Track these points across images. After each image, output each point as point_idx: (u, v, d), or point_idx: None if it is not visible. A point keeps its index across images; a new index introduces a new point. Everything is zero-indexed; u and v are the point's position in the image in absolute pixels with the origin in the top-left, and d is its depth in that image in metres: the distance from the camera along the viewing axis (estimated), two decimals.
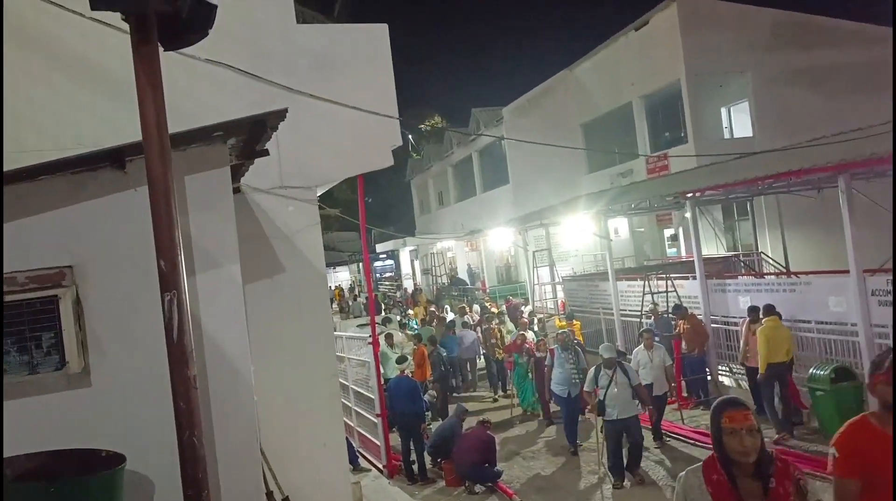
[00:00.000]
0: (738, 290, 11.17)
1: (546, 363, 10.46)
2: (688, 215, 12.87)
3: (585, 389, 8.37)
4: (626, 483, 7.93)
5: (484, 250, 28.10)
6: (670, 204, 13.66)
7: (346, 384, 10.88)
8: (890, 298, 8.24)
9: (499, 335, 13.81)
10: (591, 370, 8.26)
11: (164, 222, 3.11)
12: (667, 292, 12.41)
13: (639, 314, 12.73)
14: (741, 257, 16.93)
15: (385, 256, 40.00)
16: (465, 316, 16.77)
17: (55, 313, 3.65)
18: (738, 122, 20.63)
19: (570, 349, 10.05)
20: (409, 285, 34.08)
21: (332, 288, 35.77)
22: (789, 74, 19.12)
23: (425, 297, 25.38)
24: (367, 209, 9.10)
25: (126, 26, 3.08)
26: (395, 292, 32.99)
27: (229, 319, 4.10)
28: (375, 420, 9.70)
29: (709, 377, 11.08)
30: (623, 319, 13.36)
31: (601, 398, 7.89)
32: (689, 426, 9.71)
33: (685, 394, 10.93)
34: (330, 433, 6.35)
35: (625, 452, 8.08)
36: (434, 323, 16.20)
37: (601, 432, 8.29)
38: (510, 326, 14.23)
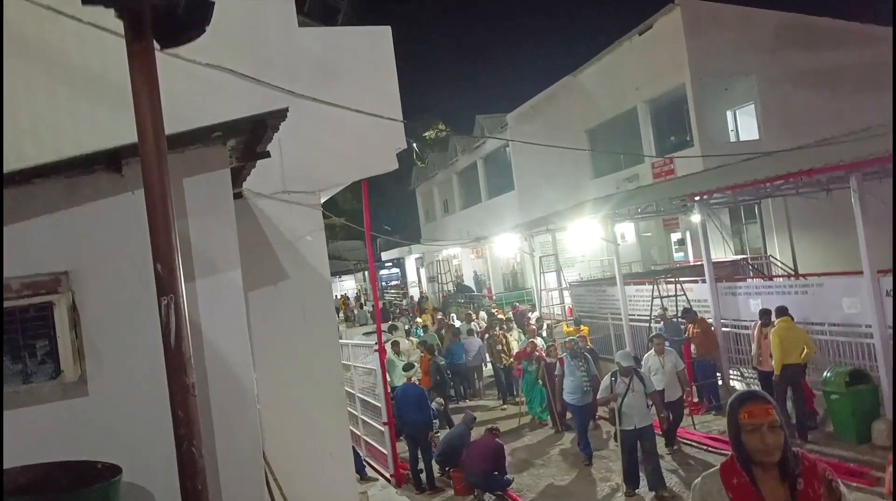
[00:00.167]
0: (748, 293, 11.01)
1: (556, 372, 10.29)
2: (695, 218, 12.76)
3: (600, 397, 8.15)
4: (641, 493, 7.74)
5: (490, 257, 27.98)
6: (678, 207, 13.53)
7: (353, 392, 10.75)
8: None
9: (504, 340, 13.66)
10: (607, 378, 8.02)
11: (161, 224, 3.02)
12: (676, 295, 12.26)
13: (647, 318, 12.58)
14: (749, 261, 16.75)
15: (391, 264, 39.91)
16: (472, 323, 16.64)
17: (50, 320, 3.55)
18: (744, 125, 20.49)
19: (579, 356, 9.90)
20: (415, 292, 33.96)
21: (338, 297, 35.72)
22: (794, 75, 18.99)
23: (431, 305, 25.26)
24: (372, 218, 9.00)
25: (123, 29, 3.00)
26: (401, 301, 32.86)
27: (230, 325, 3.99)
28: (382, 429, 9.57)
29: (720, 382, 10.90)
30: (632, 323, 13.20)
31: (618, 406, 7.69)
32: (702, 432, 9.54)
33: (696, 399, 10.75)
34: (336, 443, 6.25)
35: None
36: (443, 331, 16.07)
37: (616, 440, 8.11)
38: (517, 333, 14.08)
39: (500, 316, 16.97)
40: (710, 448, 8.91)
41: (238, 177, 5.27)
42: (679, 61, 19.04)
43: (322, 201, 8.06)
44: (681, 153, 19.23)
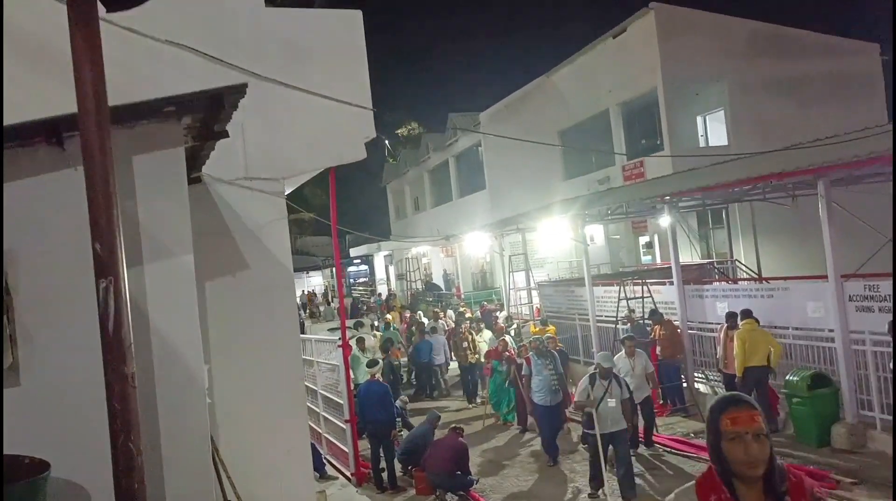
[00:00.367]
0: (715, 295, 11.06)
1: (523, 372, 10.15)
2: (663, 221, 12.78)
3: (577, 400, 7.85)
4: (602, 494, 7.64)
5: (460, 256, 27.88)
6: (647, 209, 13.55)
7: (315, 389, 10.51)
8: (867, 303, 8.15)
9: (470, 338, 13.53)
10: (585, 380, 7.78)
11: (101, 200, 2.79)
12: (643, 297, 12.27)
13: (615, 319, 12.57)
14: (716, 264, 16.93)
15: (359, 261, 39.58)
16: (439, 321, 16.50)
17: None
18: (714, 130, 20.72)
19: (546, 355, 9.79)
20: (383, 290, 33.69)
21: (305, 293, 35.26)
22: (764, 84, 19.28)
23: (399, 302, 25.04)
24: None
25: None
26: (368, 298, 32.58)
27: (181, 314, 3.76)
28: (344, 426, 9.35)
29: (684, 385, 10.92)
30: (599, 324, 13.19)
31: (595, 409, 7.49)
32: (666, 434, 9.52)
33: (661, 401, 10.75)
34: (294, 440, 6.02)
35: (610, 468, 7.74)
36: (414, 328, 15.89)
37: (584, 442, 7.97)
38: (486, 334, 13.93)
39: (469, 315, 16.85)
40: (675, 451, 8.89)
41: (196, 159, 5.02)
42: (652, 65, 19.16)
43: (288, 191, 7.82)
44: (654, 155, 19.36)
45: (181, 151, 3.78)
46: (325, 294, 35.10)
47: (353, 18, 6.42)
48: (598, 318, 13.28)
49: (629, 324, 11.75)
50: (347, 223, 22.96)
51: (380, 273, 36.10)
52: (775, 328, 9.42)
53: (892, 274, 7.48)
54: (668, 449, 8.98)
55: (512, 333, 13.55)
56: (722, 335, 9.75)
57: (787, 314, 9.51)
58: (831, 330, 8.65)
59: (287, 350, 6.10)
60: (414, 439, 9.20)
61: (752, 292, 10.64)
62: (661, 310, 11.40)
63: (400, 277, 33.01)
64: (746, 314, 9.22)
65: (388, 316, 20.15)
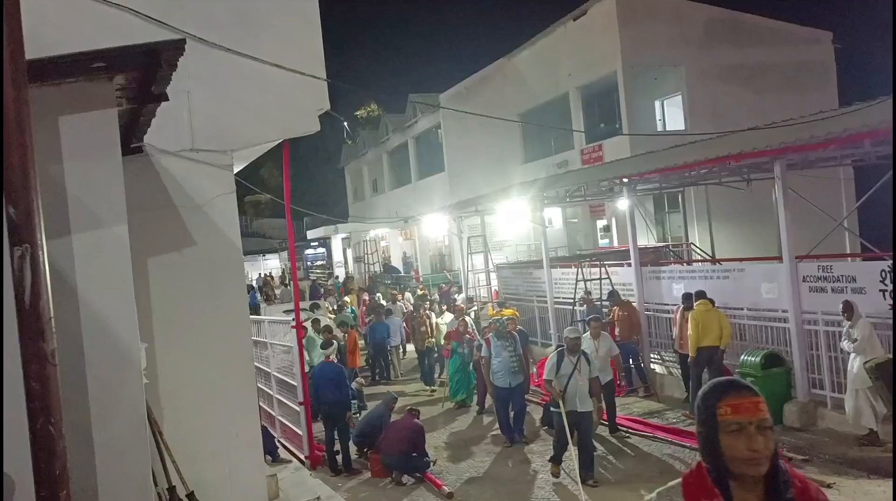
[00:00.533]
0: (672, 277, 11.14)
1: (483, 354, 9.97)
2: (621, 204, 12.82)
3: (546, 378, 7.64)
4: (563, 474, 7.59)
5: (418, 239, 27.68)
6: (605, 192, 13.56)
7: (269, 371, 10.23)
8: (821, 284, 8.29)
9: (428, 322, 13.38)
10: (553, 356, 7.61)
11: (16, 159, 2.51)
12: (601, 279, 12.31)
13: (572, 301, 12.60)
14: (671, 247, 17.16)
15: (317, 243, 38.98)
16: (397, 303, 16.32)
17: None
18: (671, 115, 20.91)
19: (505, 336, 9.67)
20: (340, 273, 33.28)
21: (262, 276, 34.59)
22: (721, 70, 19.51)
23: (357, 285, 24.74)
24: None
25: None
26: (326, 281, 32.16)
27: (113, 287, 3.48)
28: (298, 409, 9.12)
29: (641, 364, 10.99)
30: (557, 306, 13.21)
31: (563, 387, 7.29)
32: (623, 414, 9.55)
33: (620, 382, 10.80)
34: (243, 423, 5.79)
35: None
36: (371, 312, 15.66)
37: (543, 423, 7.84)
38: (447, 317, 13.69)
39: (430, 298, 16.71)
40: (633, 431, 8.91)
41: (136, 126, 4.70)
42: (611, 49, 19.18)
43: (241, 166, 7.50)
44: (609, 141, 19.44)
45: (114, 113, 3.49)
46: (281, 277, 34.50)
47: None
48: (555, 300, 13.29)
49: (585, 306, 11.77)
50: (305, 205, 22.44)
51: (337, 256, 35.63)
52: (730, 308, 9.53)
53: (893, 259, 7.42)
54: (628, 431, 8.99)
55: (472, 314, 13.46)
56: (678, 316, 9.82)
57: (741, 296, 9.62)
58: (785, 311, 8.79)
59: (236, 330, 5.85)
60: (369, 421, 9.04)
61: (708, 274, 10.76)
62: (618, 292, 11.45)
63: (358, 259, 32.66)
64: (701, 295, 9.27)
65: (346, 299, 19.89)
